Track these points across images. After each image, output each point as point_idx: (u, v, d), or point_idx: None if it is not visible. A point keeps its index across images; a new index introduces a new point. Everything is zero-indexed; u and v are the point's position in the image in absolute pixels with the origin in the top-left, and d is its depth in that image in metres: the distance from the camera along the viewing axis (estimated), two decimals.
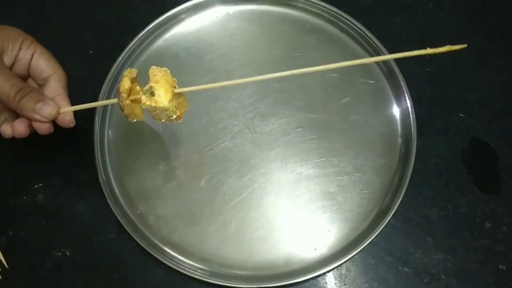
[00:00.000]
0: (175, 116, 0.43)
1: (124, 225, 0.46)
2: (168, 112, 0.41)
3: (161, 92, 0.40)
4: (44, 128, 0.43)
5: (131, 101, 0.42)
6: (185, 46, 0.55)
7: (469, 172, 0.50)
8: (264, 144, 0.51)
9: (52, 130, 0.43)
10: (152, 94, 0.40)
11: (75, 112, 0.44)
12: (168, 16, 0.56)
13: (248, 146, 0.51)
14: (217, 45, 0.55)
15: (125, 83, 0.41)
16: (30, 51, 0.44)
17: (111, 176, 0.49)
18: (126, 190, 0.49)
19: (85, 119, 0.51)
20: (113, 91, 0.53)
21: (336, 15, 0.56)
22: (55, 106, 0.42)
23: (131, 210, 0.48)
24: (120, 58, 0.53)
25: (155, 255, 0.45)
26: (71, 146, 0.51)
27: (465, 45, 0.35)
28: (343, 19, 0.56)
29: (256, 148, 0.51)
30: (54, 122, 0.43)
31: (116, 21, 0.58)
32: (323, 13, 0.56)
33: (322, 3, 0.56)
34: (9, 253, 0.47)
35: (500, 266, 0.47)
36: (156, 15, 0.55)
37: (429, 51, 0.36)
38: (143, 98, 0.41)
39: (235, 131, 0.51)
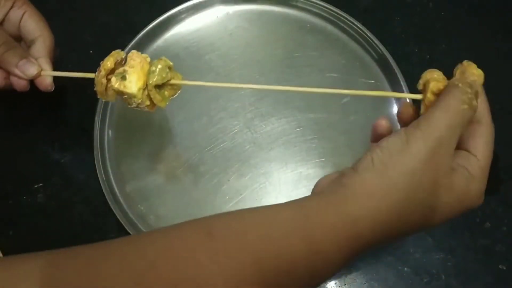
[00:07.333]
0: (145, 106, 0.42)
1: (124, 225, 0.46)
2: (136, 99, 0.40)
3: (133, 78, 0.39)
4: (21, 84, 0.43)
5: (107, 79, 0.41)
6: (185, 46, 0.55)
7: None
8: (264, 144, 0.51)
9: (28, 89, 0.44)
10: (123, 78, 0.39)
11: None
12: (168, 16, 0.56)
13: (248, 146, 0.51)
14: (217, 45, 0.55)
15: (108, 62, 0.40)
16: (21, 11, 0.44)
17: (111, 176, 0.49)
18: (126, 190, 0.49)
19: (85, 119, 0.51)
20: None
21: (336, 15, 0.56)
22: (37, 67, 0.42)
23: (131, 210, 0.48)
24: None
25: None
26: (71, 146, 0.51)
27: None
28: (343, 19, 0.56)
29: (256, 148, 0.50)
30: (32, 83, 0.44)
31: (116, 21, 0.58)
32: (323, 13, 0.56)
33: (322, 3, 0.56)
34: (9, 253, 0.47)
35: (500, 266, 0.47)
36: (156, 15, 0.55)
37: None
38: (113, 80, 0.40)
39: (235, 131, 0.51)
